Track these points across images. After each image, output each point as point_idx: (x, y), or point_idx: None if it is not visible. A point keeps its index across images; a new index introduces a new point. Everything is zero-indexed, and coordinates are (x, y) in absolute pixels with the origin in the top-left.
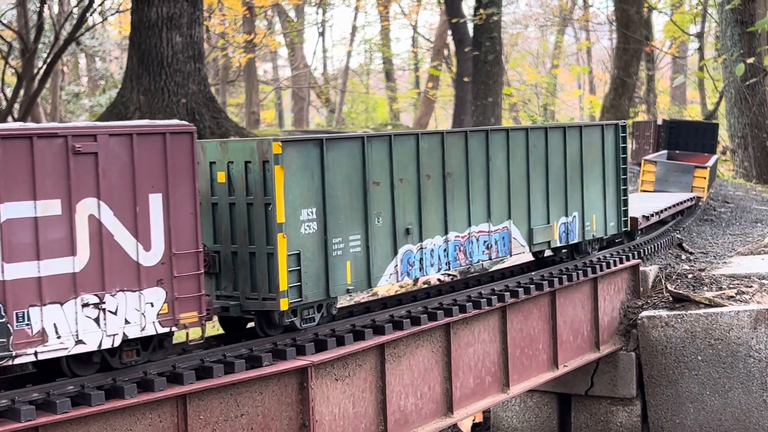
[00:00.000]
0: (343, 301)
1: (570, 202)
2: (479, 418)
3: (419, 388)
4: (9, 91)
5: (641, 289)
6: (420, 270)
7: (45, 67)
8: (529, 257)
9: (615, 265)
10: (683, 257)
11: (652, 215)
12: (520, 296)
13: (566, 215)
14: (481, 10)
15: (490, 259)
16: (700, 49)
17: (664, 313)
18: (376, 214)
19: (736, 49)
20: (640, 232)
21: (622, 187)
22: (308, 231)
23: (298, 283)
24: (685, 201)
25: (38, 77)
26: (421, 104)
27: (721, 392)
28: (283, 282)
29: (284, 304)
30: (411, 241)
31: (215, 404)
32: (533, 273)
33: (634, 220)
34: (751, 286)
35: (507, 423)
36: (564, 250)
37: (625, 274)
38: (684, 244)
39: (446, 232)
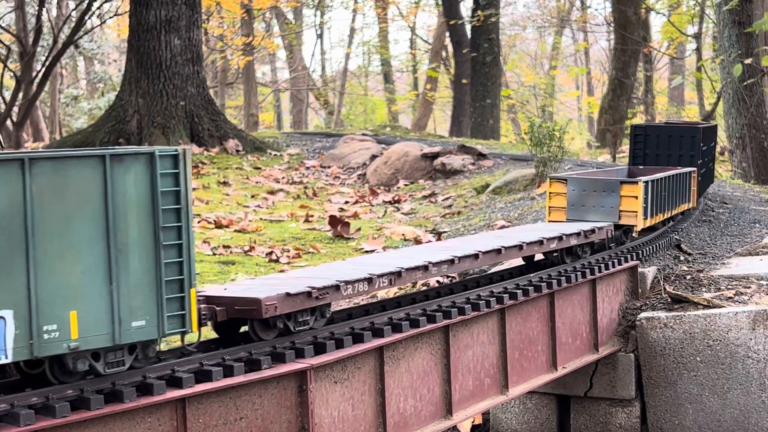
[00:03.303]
0: (342, 304)
1: None
2: (478, 420)
3: (418, 390)
4: (8, 95)
5: (640, 290)
6: None
7: (44, 70)
8: None
9: (613, 267)
10: (682, 258)
11: (321, 292)
12: (518, 298)
13: None
14: (479, 12)
15: None
16: (698, 50)
17: (662, 314)
18: None
19: (733, 50)
20: (277, 323)
21: (166, 261)
22: None
23: None
24: (534, 243)
25: (37, 80)
26: (420, 106)
27: (720, 393)
28: None
29: None
30: None
31: (214, 408)
32: (531, 275)
33: (255, 301)
34: (749, 287)
35: (506, 425)
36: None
37: (623, 276)
38: (682, 245)
39: None
